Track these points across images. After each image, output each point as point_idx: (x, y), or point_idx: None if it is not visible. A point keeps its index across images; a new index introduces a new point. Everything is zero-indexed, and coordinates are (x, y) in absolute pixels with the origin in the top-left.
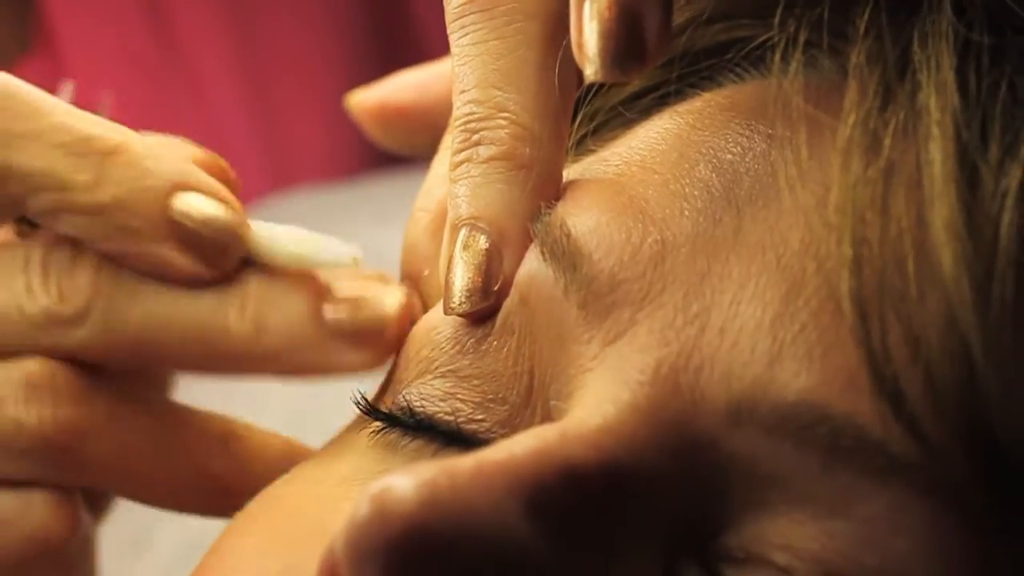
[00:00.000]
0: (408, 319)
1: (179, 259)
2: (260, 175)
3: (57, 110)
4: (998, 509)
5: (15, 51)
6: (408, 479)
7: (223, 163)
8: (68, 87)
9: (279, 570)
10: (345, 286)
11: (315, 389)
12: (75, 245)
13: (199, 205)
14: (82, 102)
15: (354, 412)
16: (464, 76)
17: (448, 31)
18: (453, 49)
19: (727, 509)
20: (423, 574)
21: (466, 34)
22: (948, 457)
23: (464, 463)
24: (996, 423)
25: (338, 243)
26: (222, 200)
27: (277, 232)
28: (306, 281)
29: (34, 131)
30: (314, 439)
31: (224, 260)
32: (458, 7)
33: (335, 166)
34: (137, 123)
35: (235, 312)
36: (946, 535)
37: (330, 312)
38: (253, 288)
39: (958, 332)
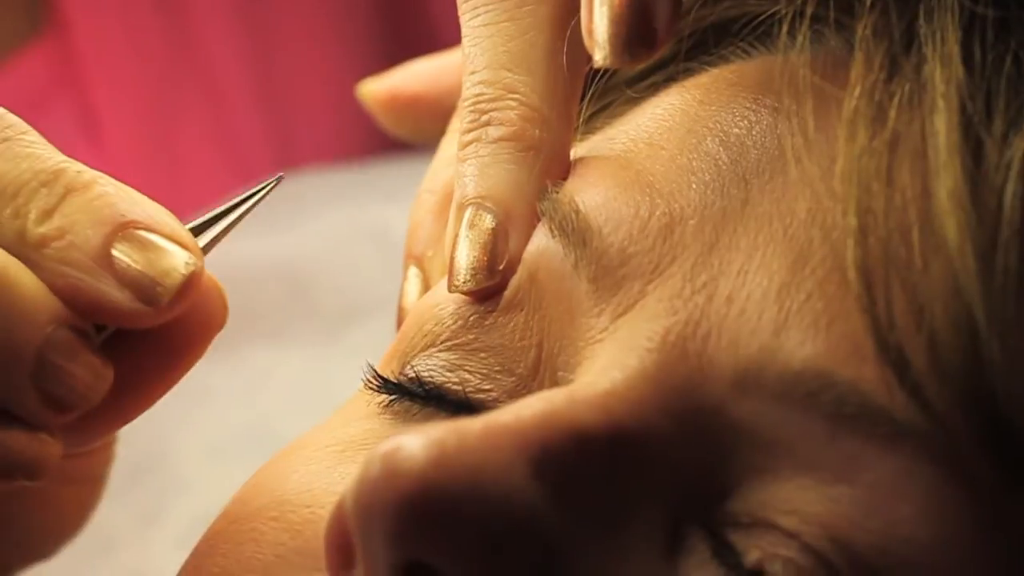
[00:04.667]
0: (196, 287)
1: (116, 295)
2: (267, 157)
3: (41, 142)
4: (1002, 476)
5: (25, 35)
6: (417, 439)
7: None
8: None
9: (289, 534)
10: (154, 238)
11: (321, 364)
12: None
13: (150, 238)
14: (92, 84)
15: (355, 387)
16: (474, 57)
17: (460, 12)
18: (464, 30)
19: (733, 475)
20: (431, 532)
21: (477, 15)
22: (952, 424)
23: (473, 424)
24: (1000, 391)
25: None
26: (180, 243)
27: None
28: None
29: (15, 152)
30: (318, 414)
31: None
32: None
33: (342, 149)
34: (145, 105)
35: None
36: (950, 501)
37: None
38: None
39: (962, 301)
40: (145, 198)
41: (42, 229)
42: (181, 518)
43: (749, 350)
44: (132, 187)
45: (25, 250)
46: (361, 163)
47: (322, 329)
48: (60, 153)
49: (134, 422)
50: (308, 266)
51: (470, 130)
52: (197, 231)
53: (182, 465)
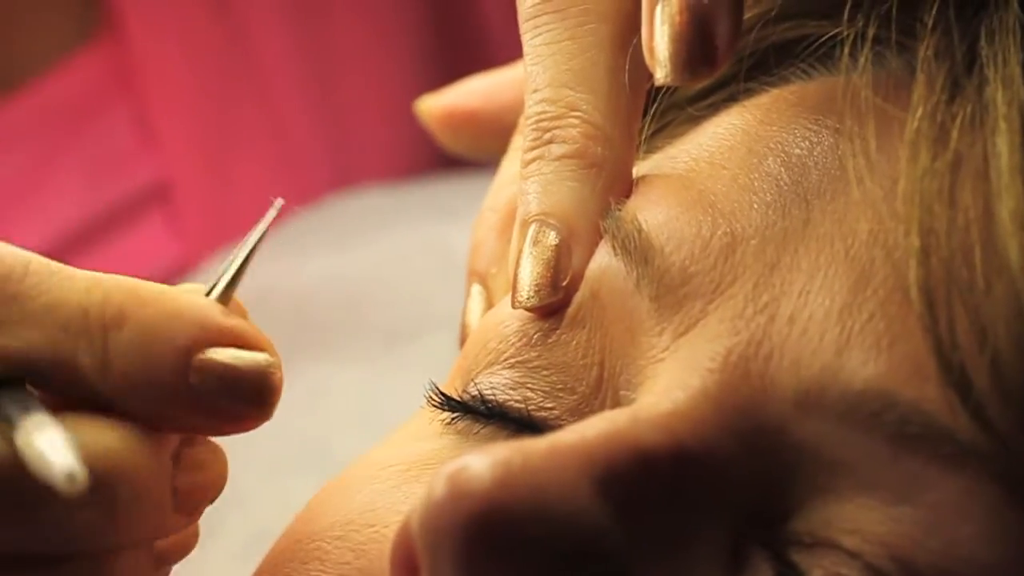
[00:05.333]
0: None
1: (222, 406)
2: (323, 173)
3: (45, 284)
4: None
5: (80, 38)
6: (483, 459)
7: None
8: None
9: (353, 553)
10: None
11: (377, 380)
12: None
13: (224, 360)
14: (147, 87)
15: (415, 406)
16: (536, 76)
17: (521, 31)
18: (526, 49)
19: (795, 495)
20: (498, 552)
21: (539, 34)
22: (1014, 445)
23: (537, 444)
24: None
25: None
26: (249, 341)
27: None
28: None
29: (27, 314)
30: (373, 430)
31: (265, 398)
32: (531, 7)
33: (399, 165)
34: (201, 109)
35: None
36: (1011, 522)
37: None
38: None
39: None
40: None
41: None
42: (237, 533)
43: (811, 370)
44: (187, 193)
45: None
46: (417, 181)
47: (378, 345)
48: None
49: None
50: (365, 282)
51: (533, 148)
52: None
53: (238, 479)
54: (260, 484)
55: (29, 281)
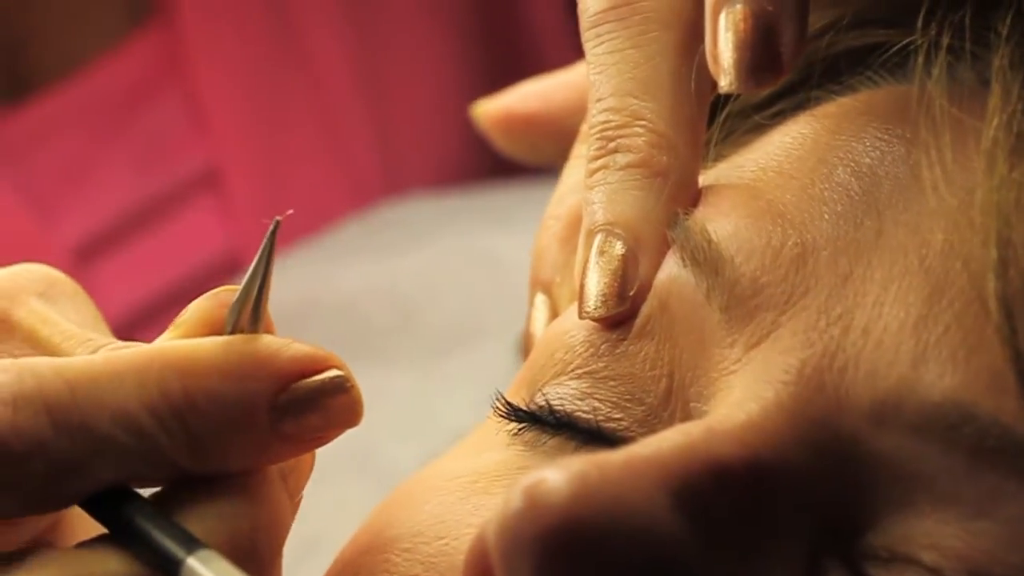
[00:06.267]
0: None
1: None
2: (372, 162)
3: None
4: None
5: (131, 24)
6: (560, 472)
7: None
8: None
9: (423, 566)
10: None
11: (426, 387)
12: None
13: (306, 393)
14: (199, 74)
15: (464, 413)
16: (600, 84)
17: (583, 40)
18: (588, 57)
19: (871, 508)
20: (574, 566)
21: (602, 43)
22: None
23: (614, 457)
24: None
25: None
26: (317, 365)
27: None
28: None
29: (101, 439)
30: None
31: (354, 411)
32: (594, 16)
33: (450, 173)
34: (252, 95)
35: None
36: None
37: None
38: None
39: None
40: None
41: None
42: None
43: (887, 382)
44: (237, 180)
45: None
46: (468, 188)
47: (427, 352)
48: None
49: None
50: (416, 289)
51: (598, 157)
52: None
53: None
54: (309, 491)
55: (81, 399)
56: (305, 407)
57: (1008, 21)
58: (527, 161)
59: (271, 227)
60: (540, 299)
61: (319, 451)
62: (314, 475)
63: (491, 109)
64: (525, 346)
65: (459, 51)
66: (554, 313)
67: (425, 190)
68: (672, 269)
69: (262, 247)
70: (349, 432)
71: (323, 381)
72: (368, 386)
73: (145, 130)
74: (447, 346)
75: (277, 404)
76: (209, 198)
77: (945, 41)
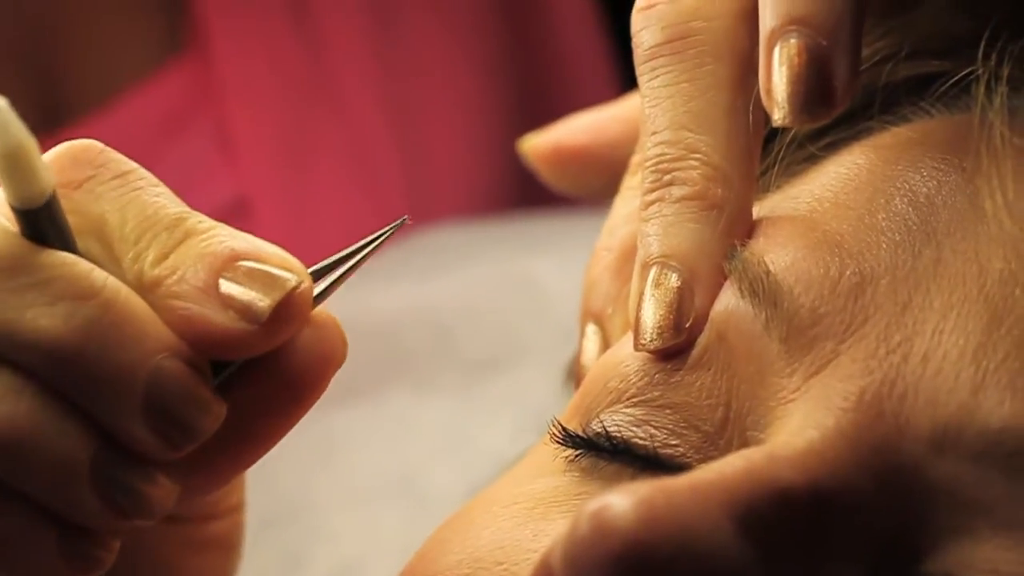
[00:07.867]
0: (301, 305)
1: (220, 317)
2: (401, 195)
3: (167, 194)
4: None
5: (165, 54)
6: (626, 497)
7: None
8: None
9: None
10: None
11: (464, 411)
12: None
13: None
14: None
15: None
16: (655, 117)
17: (637, 73)
18: (643, 90)
19: (931, 534)
20: None
21: (657, 76)
22: None
23: (678, 482)
24: None
25: None
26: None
27: None
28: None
29: (143, 202)
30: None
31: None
32: (648, 50)
33: (479, 203)
34: (282, 129)
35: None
36: None
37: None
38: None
39: None
40: (261, 240)
41: (156, 271)
42: (324, 564)
43: (947, 409)
44: (266, 210)
45: (142, 291)
46: (498, 216)
47: (466, 377)
48: (184, 204)
49: (277, 467)
50: (453, 314)
51: (653, 190)
52: (318, 275)
53: (325, 511)
54: (346, 515)
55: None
56: (248, 274)
57: None
58: (574, 195)
59: (396, 223)
60: (591, 329)
61: (356, 474)
62: (353, 499)
63: (540, 143)
64: (576, 376)
65: (488, 81)
66: (606, 344)
67: (454, 219)
68: (730, 301)
69: (375, 237)
70: (387, 457)
71: (278, 274)
72: (406, 410)
73: (176, 160)
74: (485, 370)
75: (227, 267)
76: (238, 227)
77: (1006, 71)
